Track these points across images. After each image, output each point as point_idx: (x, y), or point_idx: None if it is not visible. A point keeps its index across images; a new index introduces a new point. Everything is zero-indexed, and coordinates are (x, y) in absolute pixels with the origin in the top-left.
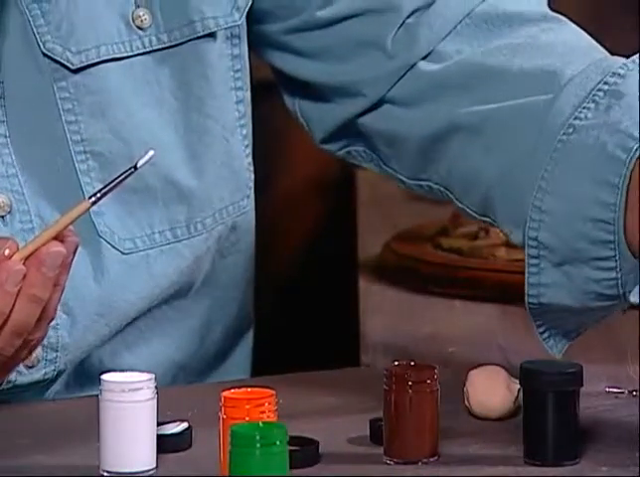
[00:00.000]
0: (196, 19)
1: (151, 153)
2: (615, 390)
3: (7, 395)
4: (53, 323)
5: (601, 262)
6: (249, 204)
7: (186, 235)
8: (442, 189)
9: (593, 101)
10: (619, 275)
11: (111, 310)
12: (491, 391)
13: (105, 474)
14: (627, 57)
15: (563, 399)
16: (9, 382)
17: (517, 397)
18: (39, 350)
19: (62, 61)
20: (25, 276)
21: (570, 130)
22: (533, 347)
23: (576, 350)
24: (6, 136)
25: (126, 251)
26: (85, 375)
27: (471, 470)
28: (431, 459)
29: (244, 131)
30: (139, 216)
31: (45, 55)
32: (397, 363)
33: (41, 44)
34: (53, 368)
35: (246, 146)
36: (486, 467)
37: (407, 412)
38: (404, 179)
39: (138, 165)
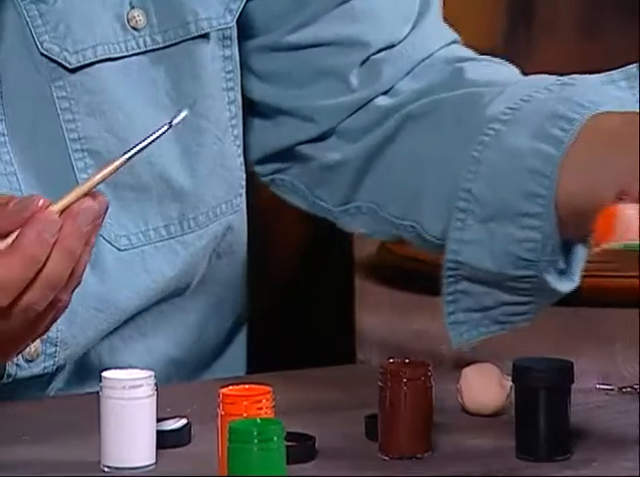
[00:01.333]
0: (190, 20)
1: (185, 113)
2: (606, 386)
3: (8, 390)
4: None
5: (527, 220)
6: (242, 203)
7: (179, 231)
8: (370, 204)
9: (546, 89)
10: (540, 237)
11: (109, 305)
12: (484, 387)
13: (106, 469)
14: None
15: (555, 396)
16: (9, 375)
17: (509, 393)
18: (38, 343)
19: (59, 60)
20: (60, 228)
21: (520, 99)
22: (525, 345)
23: (567, 347)
24: (4, 134)
25: (122, 248)
26: (85, 371)
27: (464, 465)
28: (425, 454)
29: (236, 132)
30: (134, 212)
31: (43, 54)
32: (391, 360)
33: (39, 44)
34: (52, 362)
35: (238, 146)
36: (479, 462)
37: (402, 409)
38: (331, 208)
39: (173, 123)
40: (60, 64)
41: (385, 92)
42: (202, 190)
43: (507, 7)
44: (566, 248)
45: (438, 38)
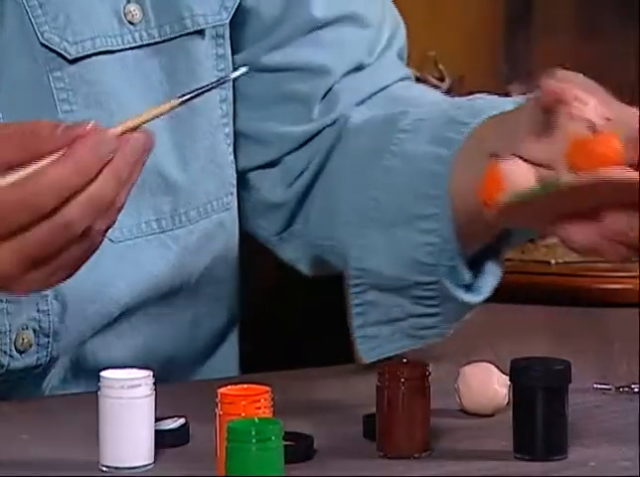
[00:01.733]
0: (185, 15)
1: (244, 69)
2: (603, 386)
3: (4, 388)
4: (44, 308)
5: (424, 223)
6: (233, 201)
7: (170, 226)
8: (301, 229)
9: (454, 103)
10: (437, 240)
11: (102, 297)
12: (482, 387)
13: (104, 469)
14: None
15: (552, 396)
16: (1, 366)
17: (507, 393)
18: (30, 334)
19: (59, 51)
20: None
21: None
22: (522, 344)
23: (565, 347)
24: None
25: (115, 240)
26: (80, 368)
27: (462, 464)
28: (423, 454)
29: (227, 130)
30: (128, 205)
31: (42, 45)
32: (389, 360)
33: (39, 34)
34: (45, 354)
35: (229, 145)
36: (476, 462)
37: (400, 409)
38: (269, 237)
39: (231, 76)
40: (59, 54)
41: (334, 123)
42: (194, 185)
43: (505, 9)
44: (477, 263)
45: (395, 72)
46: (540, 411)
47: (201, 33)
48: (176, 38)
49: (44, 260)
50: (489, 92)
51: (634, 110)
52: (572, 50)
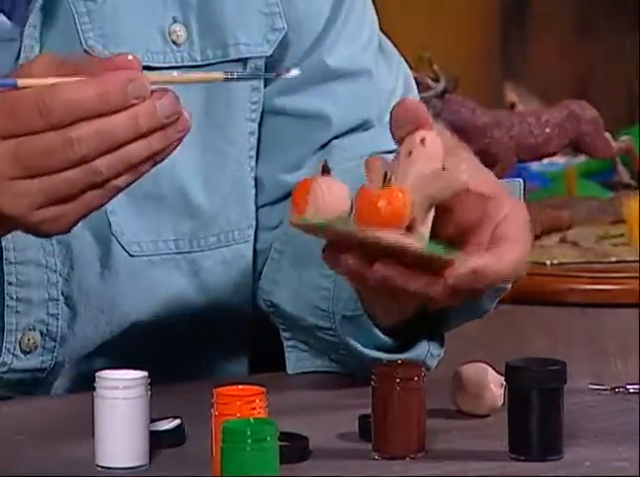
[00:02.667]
0: (230, 43)
1: (297, 71)
2: (598, 387)
3: (6, 388)
4: (54, 312)
5: (324, 267)
6: (252, 235)
7: (187, 248)
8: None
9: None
10: (332, 286)
11: (112, 308)
12: (477, 388)
13: (100, 469)
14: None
15: (548, 396)
16: (4, 364)
17: (502, 393)
18: (37, 336)
19: None
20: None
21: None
22: (518, 345)
23: (560, 347)
24: None
25: (133, 253)
26: (88, 384)
27: (457, 465)
28: (419, 455)
29: (252, 164)
30: (149, 221)
31: (85, 51)
32: (385, 361)
33: (83, 40)
34: (50, 357)
35: (252, 178)
36: (472, 462)
37: (395, 409)
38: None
39: (283, 75)
40: None
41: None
42: (216, 211)
43: (500, 10)
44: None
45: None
46: (535, 412)
47: (241, 62)
48: (217, 63)
49: (42, 173)
50: (484, 93)
51: (462, 167)
52: (568, 49)
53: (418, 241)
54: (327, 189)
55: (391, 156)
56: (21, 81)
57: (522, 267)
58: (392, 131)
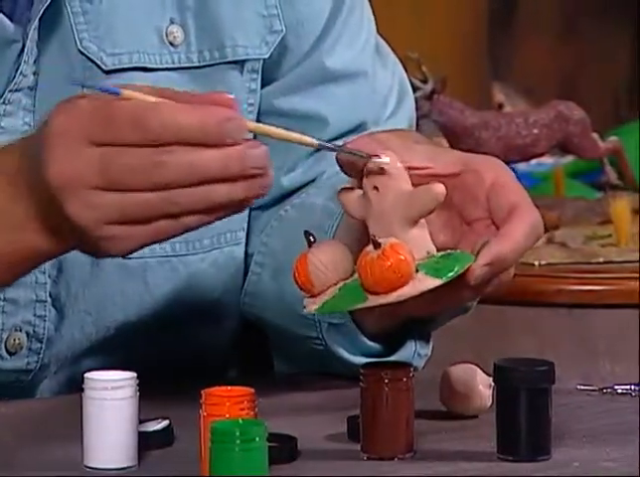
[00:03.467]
0: (227, 44)
1: (387, 159)
2: (586, 387)
3: None
4: (41, 313)
5: None
6: (244, 237)
7: (184, 250)
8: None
9: None
10: None
11: (99, 310)
12: (466, 388)
13: (88, 470)
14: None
15: (536, 397)
16: None
17: (491, 394)
18: (23, 337)
19: (95, 60)
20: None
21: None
22: (506, 346)
23: (549, 348)
24: (30, 126)
25: (126, 256)
26: (76, 387)
27: (446, 465)
28: (407, 455)
29: None
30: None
31: (80, 52)
32: (373, 361)
33: (78, 40)
34: (36, 359)
35: None
36: (460, 462)
37: (384, 410)
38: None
39: (373, 160)
40: (95, 63)
41: (314, 180)
42: None
43: (488, 10)
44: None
45: None
46: (523, 412)
47: (239, 64)
48: (214, 65)
49: (123, 188)
50: (472, 94)
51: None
52: (556, 50)
53: (432, 277)
54: (325, 260)
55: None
56: (124, 92)
57: (538, 228)
58: (346, 173)
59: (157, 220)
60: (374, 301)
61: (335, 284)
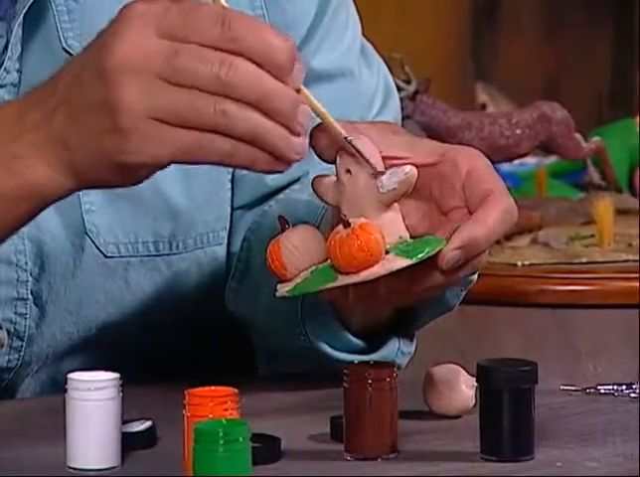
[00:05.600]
0: None
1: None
2: (570, 387)
3: None
4: (22, 311)
5: None
6: (226, 237)
7: (167, 250)
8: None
9: None
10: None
11: (80, 308)
12: (449, 388)
13: (71, 470)
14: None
15: (519, 397)
16: None
17: (474, 394)
18: (4, 334)
19: None
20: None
21: None
22: (489, 346)
23: (532, 348)
24: None
25: (109, 255)
26: (58, 387)
27: (429, 465)
28: (391, 455)
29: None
30: (126, 222)
31: (65, 50)
32: (356, 361)
33: (62, 39)
34: (17, 357)
35: (229, 181)
36: (444, 463)
37: (367, 410)
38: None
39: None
40: None
41: (299, 178)
42: (195, 213)
43: (471, 9)
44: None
45: None
46: (506, 413)
47: None
48: None
49: (184, 84)
50: (456, 94)
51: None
52: (539, 50)
53: (402, 257)
54: (298, 244)
55: None
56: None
57: (511, 213)
58: (320, 156)
59: (201, 129)
60: (343, 280)
61: (308, 269)
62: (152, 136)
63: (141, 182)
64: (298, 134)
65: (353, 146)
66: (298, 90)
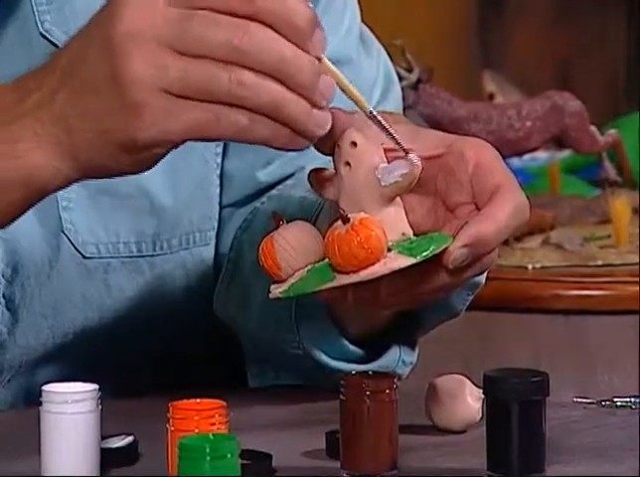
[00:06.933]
0: None
1: (412, 161)
2: (583, 400)
3: None
4: None
5: None
6: (214, 237)
7: (150, 251)
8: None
9: None
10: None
11: (56, 313)
12: (453, 401)
13: None
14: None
15: (528, 410)
16: None
17: (480, 407)
18: None
19: (58, 43)
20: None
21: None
22: (497, 355)
23: (543, 357)
24: None
25: (87, 255)
26: (33, 398)
27: None
28: (390, 473)
29: (219, 160)
30: (107, 221)
31: (42, 35)
32: (354, 371)
33: (39, 23)
34: None
35: (218, 176)
36: None
37: (365, 424)
38: None
39: (410, 156)
40: (57, 47)
41: (292, 174)
42: (180, 210)
43: None
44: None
45: None
46: (515, 427)
47: None
48: None
49: (196, 54)
50: (461, 83)
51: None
52: (551, 34)
53: (405, 256)
54: (293, 242)
55: None
56: None
57: (522, 209)
58: (317, 147)
59: (216, 101)
60: (342, 280)
61: (303, 268)
62: (163, 110)
63: (149, 168)
64: (320, 107)
65: (379, 123)
66: (319, 60)
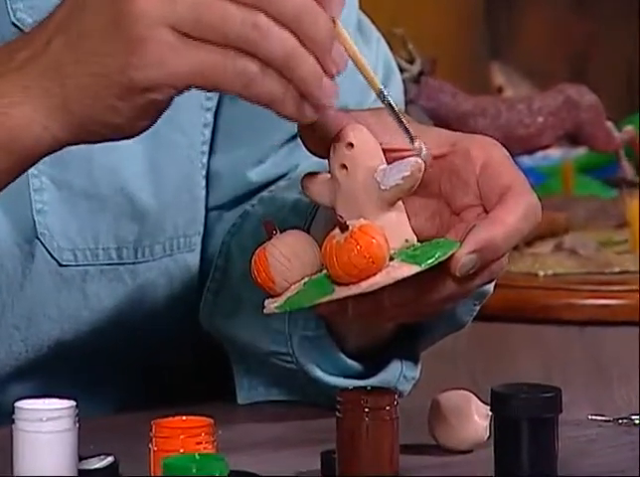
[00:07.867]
0: None
1: (413, 162)
2: (599, 417)
3: None
4: None
5: None
6: (199, 243)
7: (131, 258)
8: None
9: None
10: None
11: (29, 324)
12: (459, 419)
13: None
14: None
15: (539, 428)
16: None
17: (488, 425)
18: None
19: None
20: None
21: None
22: (506, 369)
23: (555, 372)
24: None
25: (63, 263)
26: (4, 415)
27: None
28: None
29: (204, 160)
30: (85, 226)
31: (14, 24)
32: (351, 387)
33: (11, 12)
34: None
35: (203, 177)
36: None
37: (363, 443)
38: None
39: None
40: None
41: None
42: (164, 214)
43: None
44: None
45: None
46: (525, 447)
47: None
48: None
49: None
50: (467, 75)
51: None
52: (564, 23)
53: (409, 264)
54: (288, 253)
55: None
56: None
57: (534, 211)
58: (310, 150)
59: (224, 45)
60: (342, 292)
61: (300, 280)
62: (168, 47)
63: (147, 127)
64: (331, 75)
65: (389, 104)
66: (334, 22)
